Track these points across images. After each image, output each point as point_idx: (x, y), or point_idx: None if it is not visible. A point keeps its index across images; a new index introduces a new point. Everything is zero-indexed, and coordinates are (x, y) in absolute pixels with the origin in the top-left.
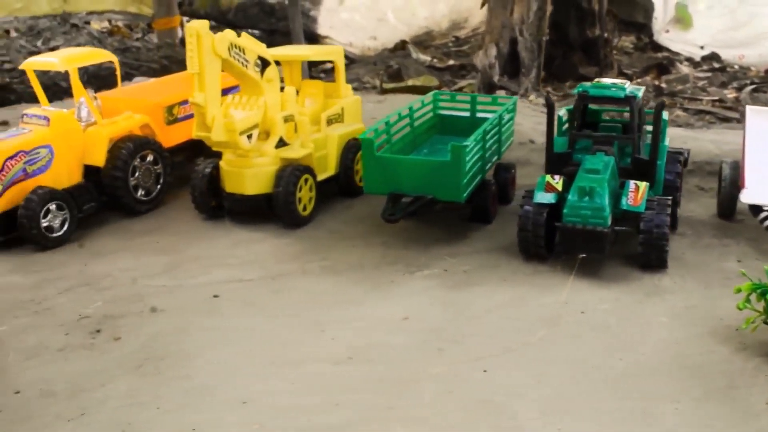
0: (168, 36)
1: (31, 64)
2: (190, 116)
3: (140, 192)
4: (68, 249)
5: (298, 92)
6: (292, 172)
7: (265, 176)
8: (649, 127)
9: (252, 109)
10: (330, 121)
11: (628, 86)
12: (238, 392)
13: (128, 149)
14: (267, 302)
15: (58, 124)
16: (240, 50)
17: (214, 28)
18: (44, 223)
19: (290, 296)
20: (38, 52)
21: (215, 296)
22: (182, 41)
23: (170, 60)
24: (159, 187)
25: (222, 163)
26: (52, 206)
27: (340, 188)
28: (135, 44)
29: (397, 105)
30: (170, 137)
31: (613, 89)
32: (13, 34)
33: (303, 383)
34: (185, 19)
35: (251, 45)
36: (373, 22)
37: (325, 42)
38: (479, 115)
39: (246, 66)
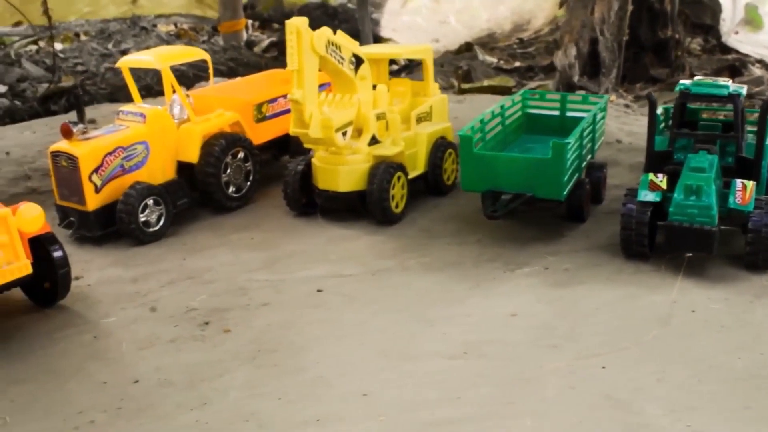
0: (233, 38)
1: (127, 63)
2: (278, 114)
3: (231, 189)
4: (164, 244)
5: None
6: (386, 170)
7: (358, 173)
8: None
9: (345, 106)
10: (419, 120)
11: (731, 84)
12: (357, 385)
13: (221, 146)
14: (372, 297)
15: (153, 121)
16: (336, 47)
17: (279, 31)
18: (142, 218)
19: (394, 292)
20: (110, 55)
21: (319, 291)
22: (248, 44)
23: (236, 62)
24: (248, 184)
25: (315, 161)
26: (150, 201)
27: (427, 186)
28: (201, 46)
29: (477, 105)
30: (258, 135)
31: (716, 87)
32: (83, 37)
33: (420, 377)
34: (249, 22)
35: (346, 42)
36: (434, 24)
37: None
38: (569, 114)
39: (341, 63)
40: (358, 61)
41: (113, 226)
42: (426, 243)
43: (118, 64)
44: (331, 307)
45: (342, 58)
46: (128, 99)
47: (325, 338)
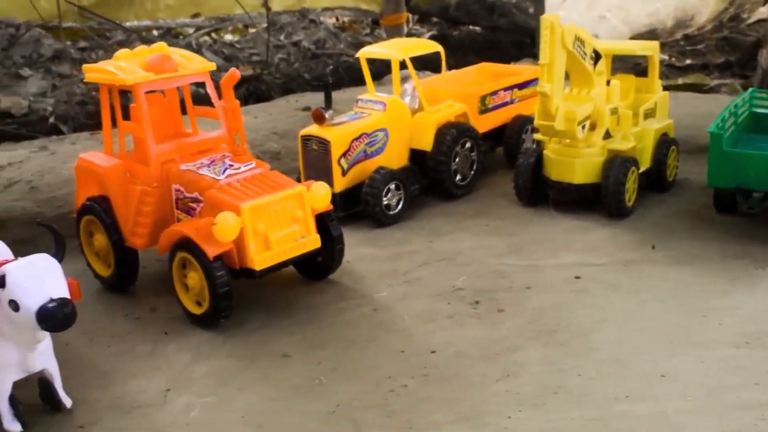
0: (395, 32)
1: (366, 54)
2: (498, 107)
3: (458, 177)
4: (404, 227)
5: None
6: (622, 163)
7: (593, 166)
8: None
9: (583, 101)
10: (645, 115)
11: None
12: (652, 366)
13: (452, 135)
14: (631, 286)
15: (392, 109)
16: (581, 43)
17: (437, 25)
18: (384, 201)
19: (650, 282)
20: (282, 46)
21: (577, 277)
22: (409, 37)
23: None
24: (473, 173)
25: (548, 153)
26: (392, 186)
27: (650, 182)
28: (366, 39)
29: (681, 102)
30: (481, 126)
31: None
32: (251, 30)
33: (712, 363)
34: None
35: (589, 38)
36: (593, 20)
37: None
38: None
39: (584, 59)
40: (598, 57)
41: (354, 208)
42: (664, 237)
43: (357, 55)
44: (597, 294)
45: (584, 54)
46: (302, 89)
47: (603, 322)
